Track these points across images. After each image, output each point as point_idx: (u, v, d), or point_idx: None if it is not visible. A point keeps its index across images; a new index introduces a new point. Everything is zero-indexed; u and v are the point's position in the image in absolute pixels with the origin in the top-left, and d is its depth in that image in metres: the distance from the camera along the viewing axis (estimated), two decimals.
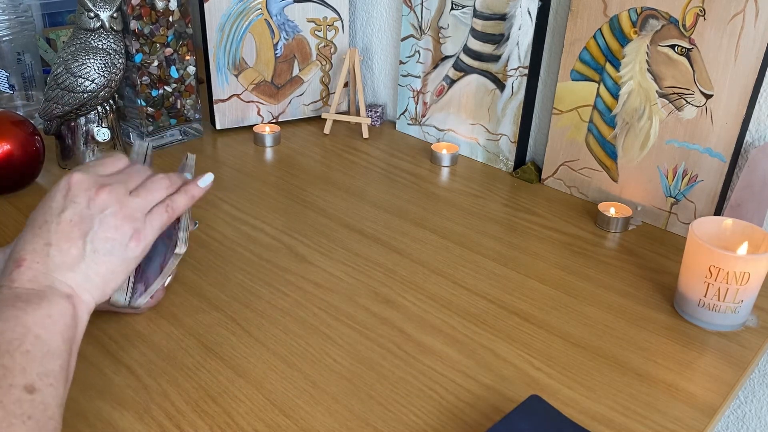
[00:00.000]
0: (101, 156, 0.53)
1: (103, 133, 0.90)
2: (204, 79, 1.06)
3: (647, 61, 0.78)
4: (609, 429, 0.52)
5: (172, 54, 0.96)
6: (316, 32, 1.07)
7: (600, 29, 0.81)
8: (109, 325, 0.61)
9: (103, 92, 0.86)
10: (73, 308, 0.46)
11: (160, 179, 0.54)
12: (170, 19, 0.94)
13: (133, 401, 0.53)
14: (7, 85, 1.06)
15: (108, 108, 0.89)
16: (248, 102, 1.07)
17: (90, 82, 0.85)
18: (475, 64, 0.95)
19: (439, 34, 0.99)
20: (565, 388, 0.56)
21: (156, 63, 0.94)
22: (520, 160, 0.96)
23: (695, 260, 0.63)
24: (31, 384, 0.41)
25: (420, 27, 1.01)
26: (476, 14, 0.93)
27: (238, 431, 0.51)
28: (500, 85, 0.94)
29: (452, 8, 0.96)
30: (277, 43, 1.05)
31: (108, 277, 0.50)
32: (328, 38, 1.08)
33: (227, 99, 1.05)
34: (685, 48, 0.74)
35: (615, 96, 0.82)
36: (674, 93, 0.77)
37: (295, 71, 1.08)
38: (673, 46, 0.75)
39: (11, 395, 0.40)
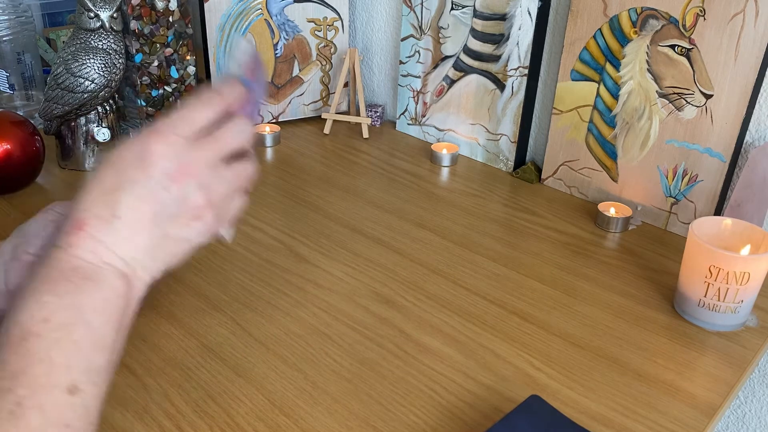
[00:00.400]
0: (195, 98, 0.43)
1: (103, 133, 0.90)
2: (204, 79, 1.06)
3: (647, 61, 0.78)
4: (609, 429, 0.52)
5: (172, 54, 0.96)
6: (316, 32, 1.07)
7: (600, 29, 0.81)
8: None
9: (103, 92, 0.86)
10: (128, 290, 0.41)
11: (252, 162, 0.46)
12: (170, 19, 0.94)
13: (133, 401, 0.53)
14: (7, 85, 1.06)
15: (108, 108, 0.89)
16: None
17: (90, 82, 0.85)
18: (475, 64, 0.95)
19: (439, 34, 0.99)
20: (565, 388, 0.56)
21: (156, 63, 0.94)
22: (520, 160, 0.96)
23: (695, 260, 0.63)
24: (74, 384, 0.37)
25: (420, 27, 1.01)
26: (476, 14, 0.93)
27: (238, 431, 0.51)
28: (500, 85, 0.94)
29: (452, 8, 0.96)
30: (277, 43, 1.05)
31: (171, 259, 0.44)
32: (328, 38, 1.09)
33: None
34: (685, 48, 0.74)
35: (615, 96, 0.82)
36: (674, 93, 0.77)
37: (295, 71, 1.08)
38: (673, 46, 0.75)
39: (52, 397, 0.36)
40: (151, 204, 0.41)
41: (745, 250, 0.64)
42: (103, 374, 0.39)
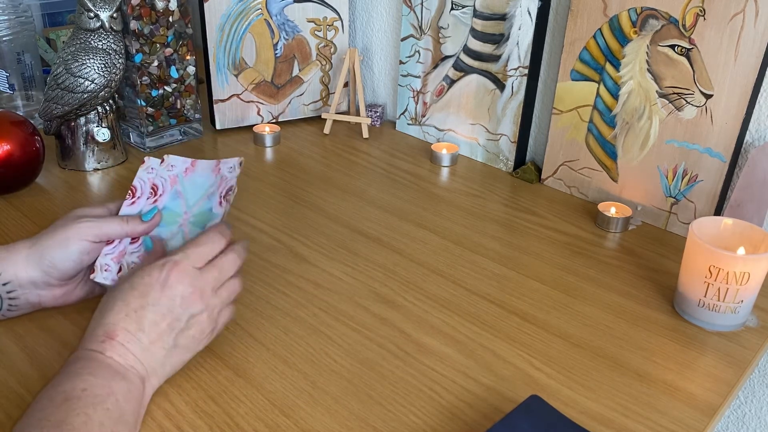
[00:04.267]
0: (204, 235, 0.55)
1: (103, 133, 0.90)
2: (204, 79, 1.06)
3: (647, 61, 0.78)
4: (609, 429, 0.52)
5: (172, 54, 0.96)
6: (316, 32, 1.07)
7: (600, 29, 0.81)
8: None
9: (103, 92, 0.86)
10: (143, 390, 0.50)
11: (238, 282, 0.57)
12: (170, 19, 0.94)
13: None
14: (7, 85, 1.06)
15: (108, 108, 0.89)
16: (248, 102, 1.07)
17: (90, 82, 0.85)
18: (475, 64, 0.95)
19: (439, 34, 0.99)
20: (565, 388, 0.56)
21: (156, 63, 0.94)
22: (520, 160, 0.96)
23: (695, 260, 0.63)
24: None
25: (420, 27, 1.01)
26: (476, 14, 0.93)
27: (237, 431, 0.51)
28: (500, 85, 0.94)
29: (452, 8, 0.96)
30: (277, 43, 1.05)
31: (176, 366, 0.53)
32: (328, 38, 1.08)
33: (227, 99, 1.05)
34: (685, 48, 0.74)
35: (615, 96, 0.82)
36: (674, 93, 0.77)
37: (295, 71, 1.08)
38: (673, 46, 0.75)
39: None
40: (169, 320, 0.51)
41: (742, 249, 0.64)
42: None
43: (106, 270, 0.59)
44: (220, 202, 0.62)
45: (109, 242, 0.60)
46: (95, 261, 0.59)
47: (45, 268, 0.57)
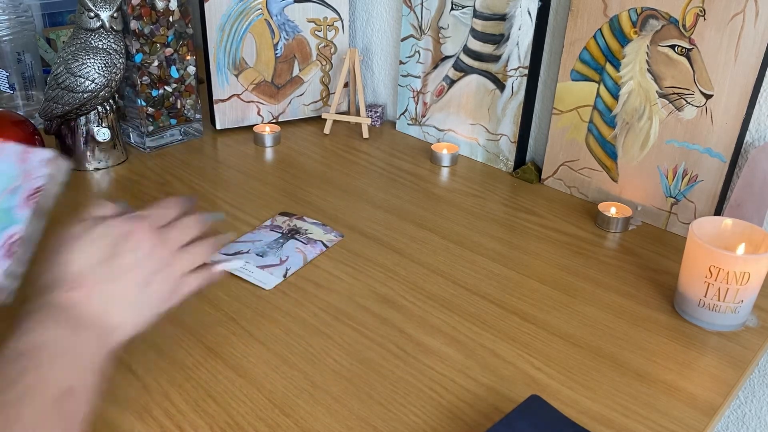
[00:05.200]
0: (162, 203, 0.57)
1: (103, 133, 0.90)
2: (204, 79, 1.06)
3: (647, 61, 0.78)
4: (609, 429, 0.52)
5: (172, 54, 0.96)
6: (316, 32, 1.07)
7: (600, 29, 0.81)
8: None
9: (103, 92, 0.86)
10: (110, 335, 0.50)
11: (203, 251, 0.56)
12: (170, 19, 0.94)
13: (133, 401, 0.53)
14: (7, 85, 1.06)
15: (108, 108, 0.89)
16: (248, 102, 1.07)
17: (90, 82, 0.85)
18: (475, 64, 0.96)
19: (439, 35, 0.99)
20: (565, 388, 0.56)
21: (156, 63, 0.94)
22: (520, 160, 0.96)
23: (695, 260, 0.63)
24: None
25: (420, 27, 1.01)
26: (476, 14, 0.93)
27: (238, 431, 0.51)
28: (500, 86, 0.94)
29: (452, 8, 0.96)
30: (277, 43, 1.05)
31: (152, 309, 0.53)
32: (328, 38, 1.09)
33: (227, 99, 1.05)
34: (685, 48, 0.74)
35: (615, 96, 0.82)
36: (674, 93, 0.77)
37: (295, 71, 1.08)
38: (673, 46, 0.75)
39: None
40: (137, 268, 0.51)
41: (742, 249, 0.64)
42: None
43: None
44: (27, 203, 0.54)
45: None
46: None
47: None
